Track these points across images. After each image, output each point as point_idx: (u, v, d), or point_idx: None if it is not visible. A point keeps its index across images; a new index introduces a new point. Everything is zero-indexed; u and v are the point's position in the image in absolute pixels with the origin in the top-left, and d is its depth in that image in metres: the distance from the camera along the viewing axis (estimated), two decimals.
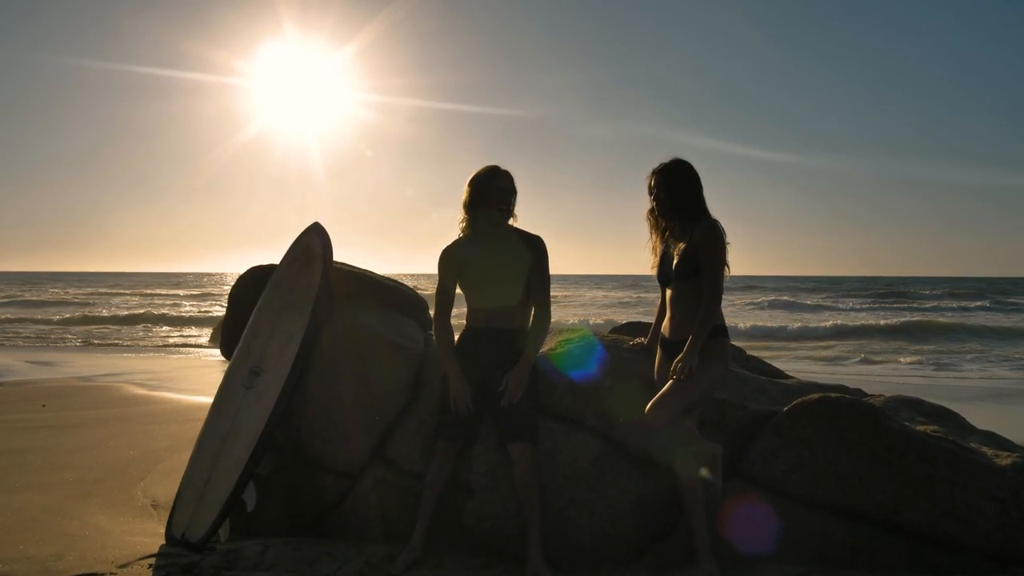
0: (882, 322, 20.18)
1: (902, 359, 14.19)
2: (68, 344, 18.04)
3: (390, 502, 3.38)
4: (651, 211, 3.18)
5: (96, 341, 18.75)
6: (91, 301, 35.64)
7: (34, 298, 35.92)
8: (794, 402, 3.09)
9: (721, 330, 2.97)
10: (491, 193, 3.23)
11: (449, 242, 3.38)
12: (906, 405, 3.63)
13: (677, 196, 3.04)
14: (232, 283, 4.46)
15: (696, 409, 3.02)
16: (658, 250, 3.19)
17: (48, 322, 23.43)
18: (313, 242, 3.94)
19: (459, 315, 3.35)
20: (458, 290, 3.38)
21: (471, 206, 3.26)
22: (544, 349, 3.46)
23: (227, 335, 4.36)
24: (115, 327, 22.62)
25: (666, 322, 3.12)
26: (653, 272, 3.22)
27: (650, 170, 3.13)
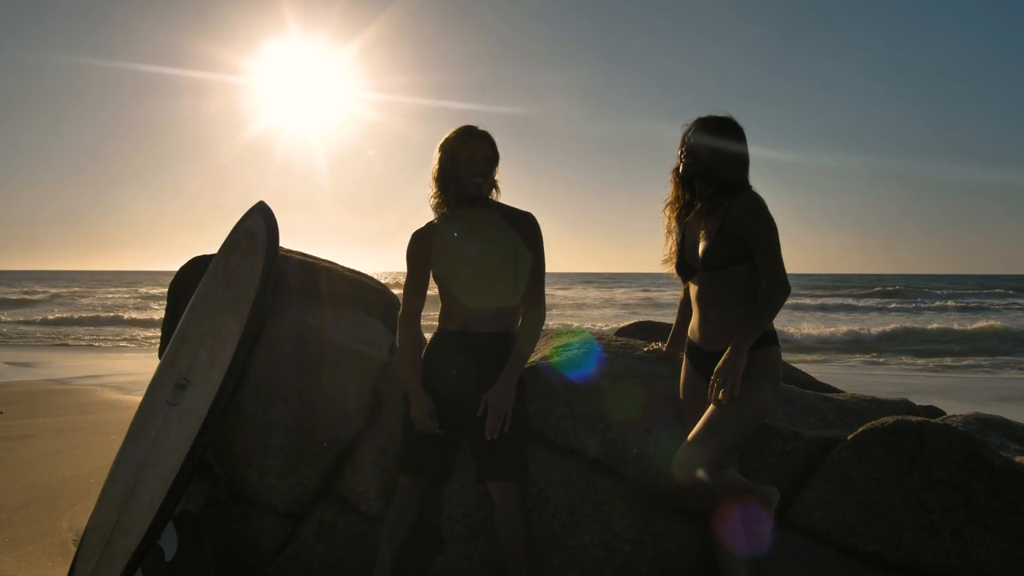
0: (907, 324, 19.23)
1: (951, 360, 13.28)
2: (52, 343, 17.42)
3: (341, 551, 2.67)
4: (675, 171, 2.44)
5: (83, 341, 18.13)
6: (88, 298, 35.15)
7: (27, 297, 35.43)
8: (861, 429, 2.36)
9: (770, 336, 2.25)
10: (467, 160, 2.50)
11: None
12: (990, 427, 2.89)
13: (721, 158, 2.31)
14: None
15: (745, 445, 2.30)
16: (675, 232, 2.47)
17: (31, 322, 22.85)
18: (256, 226, 3.22)
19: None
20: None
21: (443, 178, 2.54)
22: (535, 357, 2.74)
23: (166, 340, 3.66)
24: (106, 326, 22.02)
25: (694, 324, 2.40)
26: (666, 262, 2.50)
27: (691, 120, 2.39)
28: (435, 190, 2.56)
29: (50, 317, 24.13)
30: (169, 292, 3.62)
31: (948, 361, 13.26)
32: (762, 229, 2.22)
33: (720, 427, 2.12)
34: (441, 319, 2.63)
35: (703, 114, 2.39)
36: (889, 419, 2.35)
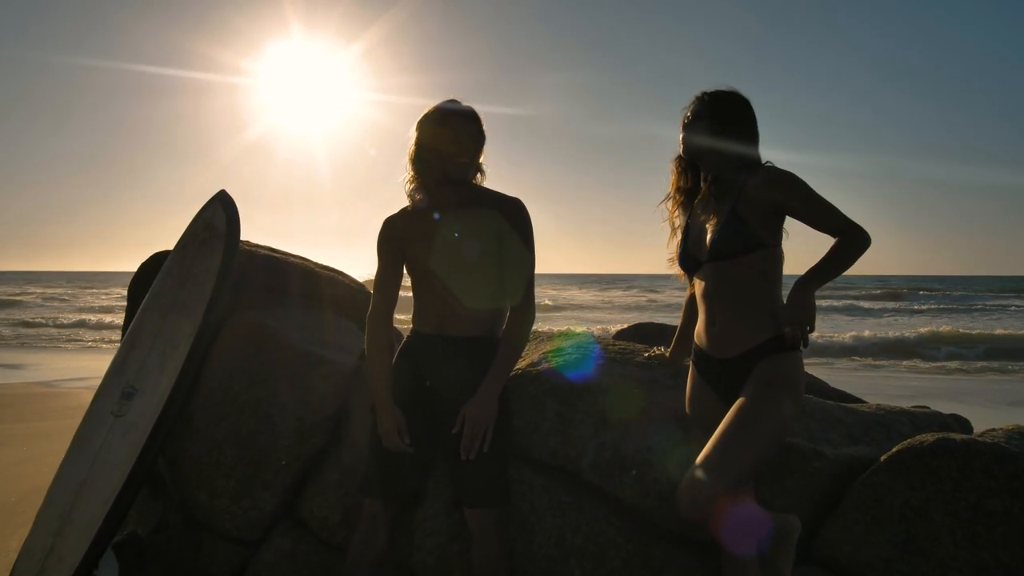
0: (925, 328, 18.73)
1: (958, 363, 12.88)
2: (46, 344, 17.15)
3: None
4: (678, 159, 2.14)
5: (78, 342, 17.85)
6: (85, 299, 34.89)
7: (18, 298, 35.15)
8: (897, 448, 2.03)
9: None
10: (450, 138, 2.19)
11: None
12: None
13: (725, 133, 1.99)
14: None
15: (763, 468, 1.97)
16: (679, 224, 2.16)
17: (26, 323, 22.58)
18: (215, 217, 2.91)
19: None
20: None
21: (422, 157, 2.23)
22: (522, 364, 2.42)
23: None
24: (102, 329, 21.75)
25: (700, 328, 2.07)
26: (673, 260, 2.19)
27: (692, 97, 2.09)
28: (411, 172, 2.25)
29: (42, 318, 23.88)
30: (128, 291, 3.32)
31: (955, 364, 12.89)
32: (798, 192, 1.91)
33: (735, 449, 1.80)
34: (414, 320, 2.31)
35: (706, 89, 2.08)
36: (929, 437, 2.02)
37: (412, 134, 2.23)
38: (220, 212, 2.90)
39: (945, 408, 2.82)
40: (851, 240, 1.89)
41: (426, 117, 2.22)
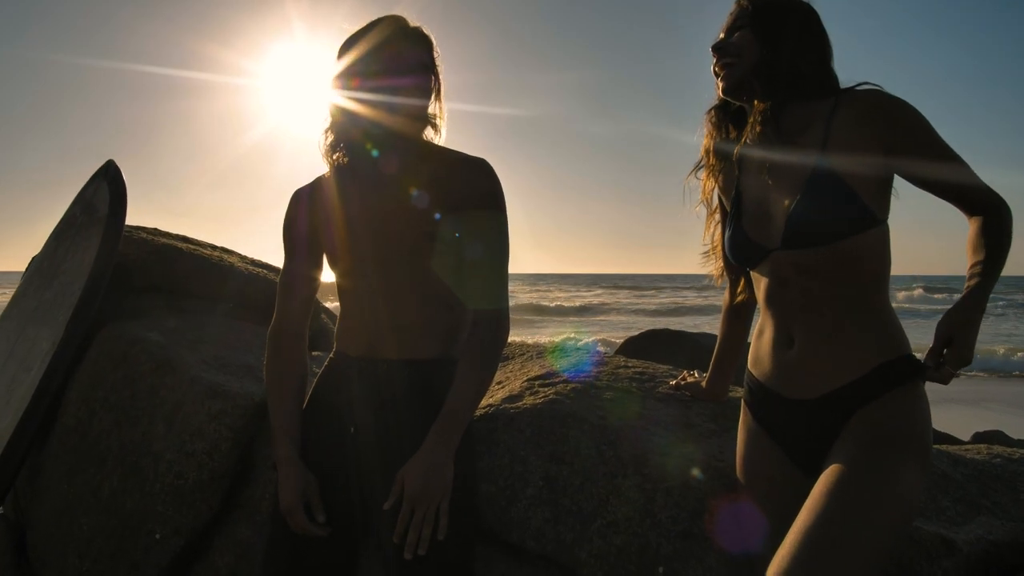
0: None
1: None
2: None
3: None
4: (713, 110, 1.42)
5: None
6: None
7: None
8: None
9: (910, 364, 1.21)
10: (386, 68, 1.46)
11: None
12: None
13: (784, 43, 1.27)
14: None
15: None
16: (711, 193, 1.47)
17: None
18: (97, 196, 2.21)
19: None
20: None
21: (342, 108, 1.50)
22: (493, 398, 1.69)
23: None
24: None
25: (764, 350, 1.34)
26: (709, 254, 1.49)
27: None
28: (330, 122, 1.53)
29: None
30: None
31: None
32: (919, 129, 1.21)
33: (836, 555, 1.07)
34: (338, 337, 1.59)
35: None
36: None
37: (335, 68, 1.52)
38: (104, 189, 2.18)
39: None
40: (1004, 219, 1.20)
41: (352, 39, 1.50)
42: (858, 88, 1.26)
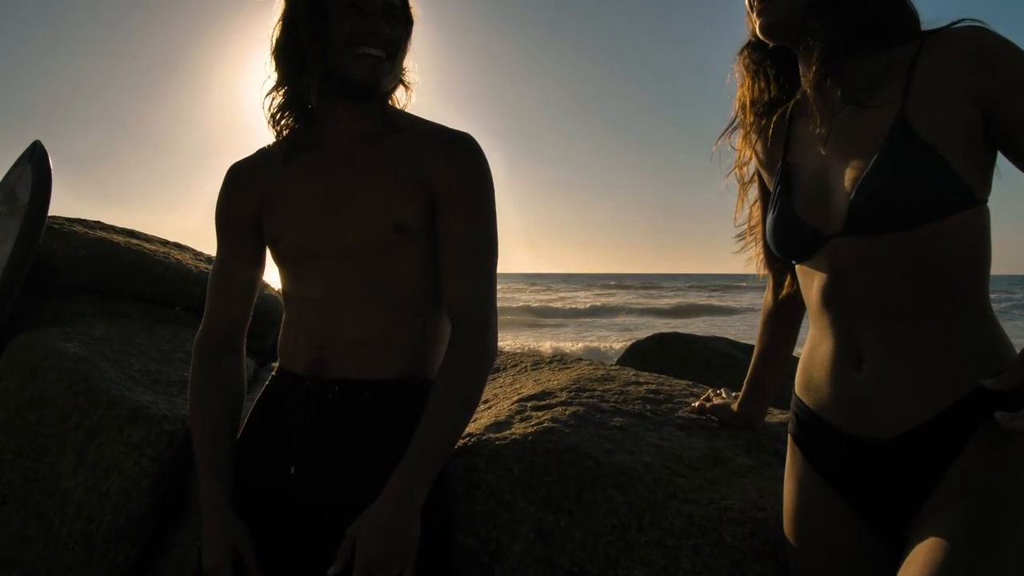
0: None
1: None
2: None
3: None
4: (746, 52, 1.12)
5: None
6: None
7: None
8: None
9: None
10: (348, 9, 1.15)
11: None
12: None
13: None
14: None
15: None
16: (745, 163, 1.17)
17: None
18: (20, 182, 1.90)
19: None
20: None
21: (292, 50, 1.19)
22: (476, 427, 1.38)
23: None
24: None
25: (821, 372, 1.02)
26: (742, 233, 1.22)
27: None
28: (277, 78, 1.22)
29: None
30: None
31: None
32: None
33: None
34: (280, 351, 1.28)
35: None
36: None
37: (279, 7, 1.21)
38: (27, 174, 1.87)
39: None
40: None
41: None
42: (953, 27, 0.95)
